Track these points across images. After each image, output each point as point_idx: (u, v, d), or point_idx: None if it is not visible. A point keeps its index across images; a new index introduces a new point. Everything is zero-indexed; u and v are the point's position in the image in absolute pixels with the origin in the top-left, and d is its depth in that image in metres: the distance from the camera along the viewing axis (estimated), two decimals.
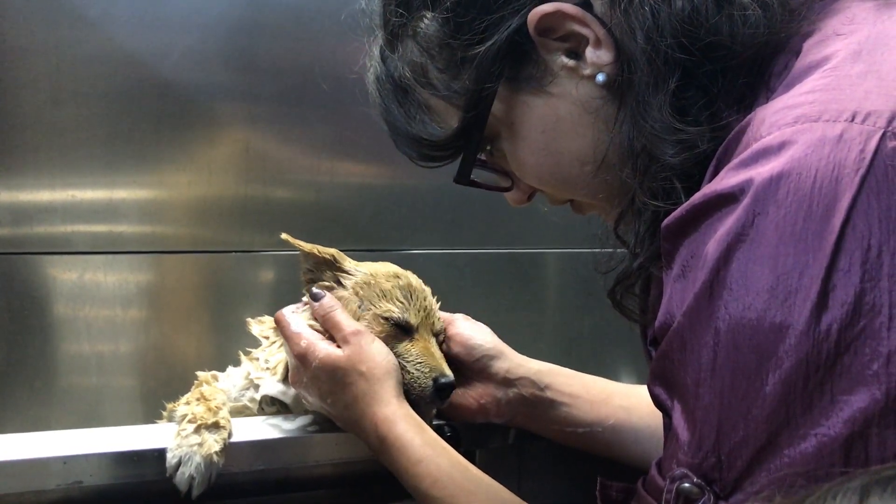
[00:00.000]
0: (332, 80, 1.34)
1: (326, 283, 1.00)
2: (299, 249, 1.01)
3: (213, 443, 0.90)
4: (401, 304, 0.98)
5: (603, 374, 1.09)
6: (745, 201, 0.59)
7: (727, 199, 0.60)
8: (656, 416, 0.73)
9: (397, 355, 0.96)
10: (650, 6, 0.68)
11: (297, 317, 0.98)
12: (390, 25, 0.80)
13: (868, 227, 0.55)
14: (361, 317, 0.98)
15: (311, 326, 0.97)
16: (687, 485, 0.62)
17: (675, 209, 0.65)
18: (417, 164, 0.84)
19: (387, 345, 0.95)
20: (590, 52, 0.72)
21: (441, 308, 1.05)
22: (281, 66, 1.37)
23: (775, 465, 0.57)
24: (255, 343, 1.07)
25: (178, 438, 0.90)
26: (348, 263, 1.02)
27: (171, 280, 1.36)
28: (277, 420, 1.00)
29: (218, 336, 1.39)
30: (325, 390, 0.94)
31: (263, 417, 1.01)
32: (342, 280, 1.00)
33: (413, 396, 0.95)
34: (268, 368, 1.03)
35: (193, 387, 1.00)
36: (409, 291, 1.00)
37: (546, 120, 0.75)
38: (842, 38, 0.66)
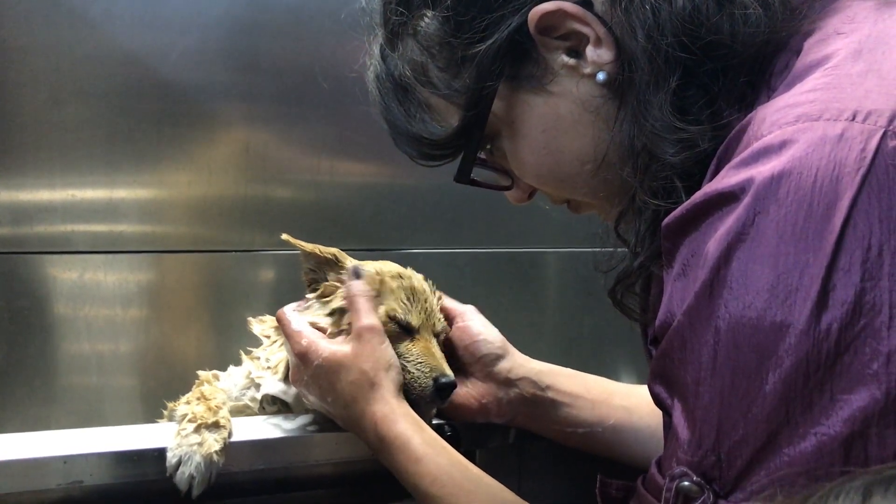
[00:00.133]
0: (332, 79, 1.35)
1: (334, 284, 1.00)
2: (301, 249, 1.01)
3: (213, 442, 0.90)
4: (404, 305, 0.98)
5: (603, 373, 1.09)
6: (746, 200, 0.59)
7: (728, 197, 0.60)
8: (657, 416, 0.73)
9: (398, 355, 0.96)
10: (651, 5, 0.68)
11: (298, 315, 0.98)
12: (390, 24, 0.80)
13: (868, 226, 0.55)
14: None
15: (313, 325, 0.97)
16: (686, 483, 0.62)
17: (675, 208, 0.65)
18: (418, 162, 0.84)
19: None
20: (590, 51, 0.72)
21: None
22: (281, 66, 1.37)
23: (775, 464, 0.57)
24: (256, 342, 1.07)
25: (178, 438, 0.90)
26: (350, 263, 1.02)
27: (172, 280, 1.36)
28: (278, 419, 0.99)
29: (218, 335, 1.39)
30: (325, 389, 0.94)
31: (264, 417, 1.01)
32: (344, 280, 1.00)
33: (413, 396, 0.95)
34: (269, 367, 1.03)
35: (194, 386, 1.00)
36: (412, 292, 1.00)
37: (546, 119, 0.75)
38: (842, 37, 0.66)
